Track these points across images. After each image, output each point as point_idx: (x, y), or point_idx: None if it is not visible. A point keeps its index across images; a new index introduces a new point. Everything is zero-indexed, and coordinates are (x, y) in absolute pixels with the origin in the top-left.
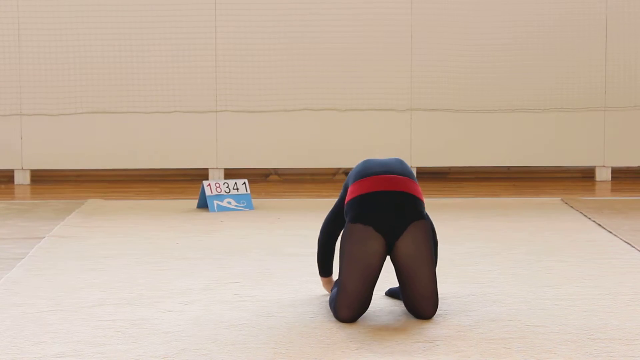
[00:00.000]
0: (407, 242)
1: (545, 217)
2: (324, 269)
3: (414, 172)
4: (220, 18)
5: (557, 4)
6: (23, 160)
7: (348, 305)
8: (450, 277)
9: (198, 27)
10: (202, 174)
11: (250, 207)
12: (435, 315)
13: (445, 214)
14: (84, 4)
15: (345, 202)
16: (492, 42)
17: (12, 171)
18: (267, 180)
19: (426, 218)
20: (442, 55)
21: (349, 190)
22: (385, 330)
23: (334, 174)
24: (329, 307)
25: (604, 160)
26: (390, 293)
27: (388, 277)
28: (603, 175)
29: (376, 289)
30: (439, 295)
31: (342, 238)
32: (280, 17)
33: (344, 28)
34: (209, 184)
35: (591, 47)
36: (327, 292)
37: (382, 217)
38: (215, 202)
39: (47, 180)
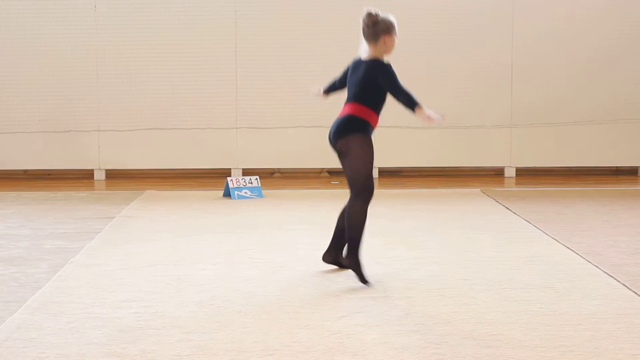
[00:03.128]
0: None
1: (468, 202)
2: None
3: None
4: (240, 56)
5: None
6: (100, 162)
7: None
8: (401, 245)
9: (221, 65)
10: (226, 172)
11: (260, 195)
12: (391, 272)
13: (397, 200)
14: (144, 38)
15: (368, 117)
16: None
17: (92, 170)
18: (272, 177)
19: None
20: None
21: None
22: (356, 283)
23: (320, 172)
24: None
25: (511, 161)
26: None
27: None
28: (510, 173)
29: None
30: (395, 260)
31: (364, 143)
32: (284, 52)
33: (344, 46)
34: (231, 179)
35: (499, 70)
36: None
37: None
38: (236, 192)
39: (117, 177)
